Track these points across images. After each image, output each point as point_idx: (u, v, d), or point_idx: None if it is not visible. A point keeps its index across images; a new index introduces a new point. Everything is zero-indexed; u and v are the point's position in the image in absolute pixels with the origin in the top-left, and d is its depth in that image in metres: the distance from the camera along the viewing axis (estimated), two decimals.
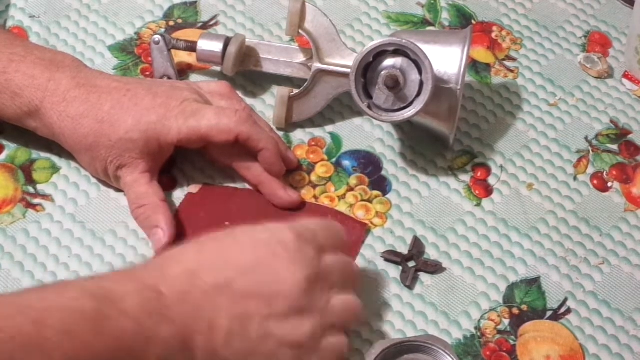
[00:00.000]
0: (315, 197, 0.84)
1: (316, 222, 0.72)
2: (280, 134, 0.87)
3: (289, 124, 0.88)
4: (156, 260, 0.68)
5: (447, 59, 0.81)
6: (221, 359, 0.65)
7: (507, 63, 0.95)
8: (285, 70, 0.89)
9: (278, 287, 0.66)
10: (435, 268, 0.80)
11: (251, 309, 0.65)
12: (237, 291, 0.65)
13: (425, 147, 0.88)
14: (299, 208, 0.82)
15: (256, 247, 0.67)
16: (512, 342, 0.77)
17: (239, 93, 0.87)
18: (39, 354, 0.55)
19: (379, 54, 0.80)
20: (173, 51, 0.88)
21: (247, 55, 0.89)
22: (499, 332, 0.77)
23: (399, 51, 0.80)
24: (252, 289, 0.65)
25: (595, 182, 0.87)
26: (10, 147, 0.84)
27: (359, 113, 0.89)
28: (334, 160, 0.87)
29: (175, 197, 0.82)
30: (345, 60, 0.85)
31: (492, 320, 0.78)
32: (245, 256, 0.67)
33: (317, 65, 0.86)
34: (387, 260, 0.80)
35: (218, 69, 0.89)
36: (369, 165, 0.86)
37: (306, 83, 0.86)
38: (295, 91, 0.87)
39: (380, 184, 0.85)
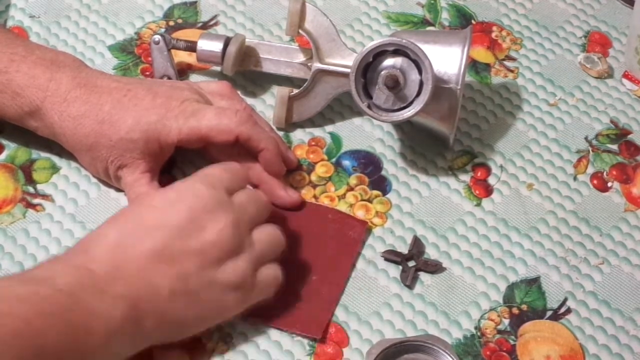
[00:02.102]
0: (315, 196, 0.84)
1: (218, 167, 0.75)
2: (280, 134, 0.87)
3: (289, 124, 0.88)
4: (77, 245, 0.70)
5: (447, 59, 0.81)
6: (169, 317, 0.67)
7: (507, 63, 0.95)
8: (285, 70, 0.89)
9: (205, 237, 0.69)
10: (435, 268, 0.80)
11: (187, 265, 0.68)
12: (167, 252, 0.67)
13: (425, 147, 0.88)
14: (299, 208, 0.82)
15: (173, 207, 0.70)
16: (512, 342, 0.77)
17: (239, 93, 0.87)
18: None
19: (379, 54, 0.80)
20: (173, 51, 0.88)
21: (247, 55, 0.89)
22: (499, 332, 0.77)
23: (399, 51, 0.80)
24: (183, 247, 0.68)
25: (595, 182, 0.87)
26: (10, 147, 0.84)
27: (359, 113, 0.89)
28: (334, 160, 0.87)
29: None
30: (345, 60, 0.85)
31: (492, 320, 0.78)
32: (168, 217, 0.69)
33: (317, 65, 0.86)
34: (387, 259, 0.80)
35: (218, 69, 0.89)
36: (369, 165, 0.86)
37: (306, 83, 0.86)
38: (295, 91, 0.87)
39: (380, 184, 0.85)
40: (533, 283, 0.80)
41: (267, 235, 0.74)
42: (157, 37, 0.87)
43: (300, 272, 0.78)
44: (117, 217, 0.71)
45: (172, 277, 0.67)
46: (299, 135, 0.88)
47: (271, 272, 0.73)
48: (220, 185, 0.72)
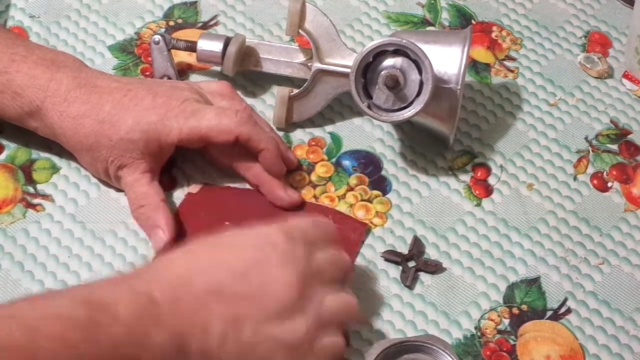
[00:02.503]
0: (315, 197, 0.84)
1: (305, 220, 0.72)
2: (280, 134, 0.87)
3: (289, 124, 0.88)
4: (147, 266, 0.68)
5: (447, 59, 0.81)
6: None
7: (507, 63, 0.95)
8: (285, 70, 0.89)
9: (270, 288, 0.65)
10: (435, 268, 0.80)
11: (244, 312, 0.64)
12: (229, 295, 0.64)
13: (425, 147, 0.88)
14: (299, 208, 0.82)
15: (247, 250, 0.67)
16: (512, 342, 0.77)
17: (239, 93, 0.87)
18: None
19: (379, 54, 0.80)
20: (173, 51, 0.88)
21: (247, 55, 0.89)
22: (499, 332, 0.77)
23: (399, 51, 0.80)
24: (244, 292, 0.65)
25: (595, 182, 0.87)
26: (10, 147, 0.84)
27: (359, 113, 0.89)
28: (334, 160, 0.87)
29: (175, 197, 0.82)
30: (345, 60, 0.85)
31: (492, 320, 0.78)
32: (237, 260, 0.66)
33: (317, 65, 0.86)
34: (387, 260, 0.80)
35: (218, 69, 0.89)
36: (369, 165, 0.86)
37: (306, 83, 0.86)
38: (295, 91, 0.87)
39: (380, 184, 0.85)
40: (533, 283, 0.80)
41: (340, 302, 0.69)
42: (157, 37, 0.87)
43: None
44: (190, 247, 0.68)
45: (227, 319, 0.64)
46: (299, 135, 0.88)
47: (331, 343, 0.68)
48: (302, 238, 0.68)
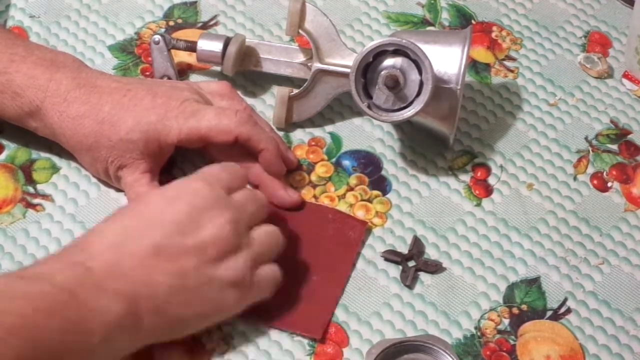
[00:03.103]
0: (315, 196, 0.84)
1: (215, 166, 0.75)
2: (280, 134, 0.87)
3: (289, 124, 0.88)
4: (76, 242, 0.70)
5: (447, 59, 0.81)
6: (168, 314, 0.68)
7: (507, 63, 0.95)
8: (285, 70, 0.89)
9: (204, 233, 0.69)
10: (435, 268, 0.80)
11: (185, 261, 0.68)
12: (166, 249, 0.68)
13: (425, 147, 0.88)
14: (299, 208, 0.82)
15: (171, 204, 0.70)
16: (512, 342, 0.77)
17: (239, 93, 0.87)
18: None
19: (379, 54, 0.80)
20: (173, 51, 0.88)
21: (247, 55, 0.89)
22: (499, 331, 0.77)
23: (399, 51, 0.80)
24: (181, 243, 0.68)
25: (595, 182, 0.87)
26: (10, 147, 0.84)
27: (359, 113, 0.89)
28: (334, 160, 0.87)
29: None
30: (345, 60, 0.85)
31: (492, 320, 0.78)
32: (164, 214, 0.70)
33: (317, 65, 0.86)
34: (387, 260, 0.80)
35: (218, 69, 0.89)
36: (369, 165, 0.86)
37: (306, 83, 0.86)
38: (295, 91, 0.87)
39: (380, 184, 0.85)
40: (533, 283, 0.80)
41: (265, 234, 0.74)
42: (157, 37, 0.87)
43: (300, 272, 0.78)
44: (115, 215, 0.71)
45: (171, 273, 0.68)
46: (299, 135, 0.88)
47: (270, 272, 0.73)
48: (219, 184, 0.72)
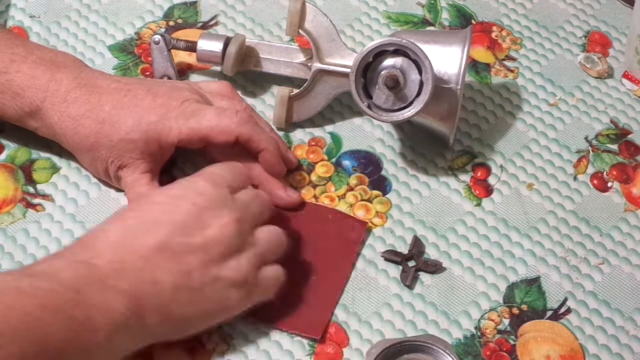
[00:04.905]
0: (315, 197, 0.84)
1: (219, 166, 0.76)
2: (280, 134, 0.87)
3: (289, 124, 0.88)
4: (80, 240, 0.70)
5: (447, 59, 0.81)
6: (172, 313, 0.68)
7: (507, 63, 0.95)
8: (285, 70, 0.89)
9: (209, 233, 0.69)
10: (435, 268, 0.80)
11: (189, 261, 0.68)
12: (170, 248, 0.68)
13: (425, 147, 0.88)
14: (299, 208, 0.82)
15: (176, 203, 0.70)
16: (512, 342, 0.77)
17: (239, 93, 0.87)
18: None
19: (379, 53, 0.80)
20: (173, 51, 0.88)
21: (247, 55, 0.89)
22: (499, 331, 0.77)
23: (399, 51, 0.80)
24: (186, 242, 0.68)
25: (595, 182, 0.88)
26: (10, 147, 0.84)
27: (359, 113, 0.89)
28: (334, 160, 0.87)
29: None
30: (345, 60, 0.85)
31: (492, 320, 0.78)
32: (168, 213, 0.70)
33: (317, 65, 0.86)
34: (387, 259, 0.80)
35: (218, 69, 0.89)
36: (369, 165, 0.87)
37: (306, 83, 0.86)
38: (295, 91, 0.87)
39: (380, 184, 0.85)
40: (533, 283, 0.80)
41: (269, 234, 0.74)
42: (157, 37, 0.87)
43: (300, 272, 0.78)
44: (120, 213, 0.71)
45: (175, 272, 0.68)
46: (299, 135, 0.88)
47: (273, 272, 0.73)
48: (223, 183, 0.72)
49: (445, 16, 0.98)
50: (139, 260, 0.67)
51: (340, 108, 0.90)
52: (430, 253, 0.81)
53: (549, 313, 0.79)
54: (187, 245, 0.68)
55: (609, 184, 0.87)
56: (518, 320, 0.78)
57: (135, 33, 0.93)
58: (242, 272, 0.70)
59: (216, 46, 0.87)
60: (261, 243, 0.72)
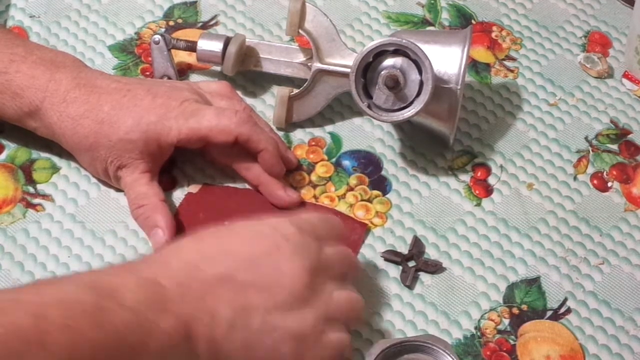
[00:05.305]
0: (315, 197, 0.84)
1: (315, 215, 0.73)
2: (280, 134, 0.87)
3: (289, 124, 0.88)
4: (155, 254, 0.68)
5: (447, 59, 0.81)
6: (223, 350, 0.64)
7: (507, 63, 0.95)
8: (285, 70, 0.89)
9: (280, 278, 0.66)
10: (435, 268, 0.80)
11: (253, 300, 0.64)
12: (238, 282, 0.64)
13: (425, 147, 0.88)
14: (298, 208, 0.82)
15: (257, 239, 0.67)
16: (512, 342, 0.77)
17: (239, 93, 0.87)
18: (38, 348, 0.54)
19: (379, 53, 0.80)
20: (173, 51, 0.88)
21: (247, 55, 0.89)
22: (499, 332, 0.77)
23: (399, 51, 0.80)
24: (254, 280, 0.65)
25: (595, 182, 0.87)
26: (10, 147, 0.84)
27: (359, 113, 0.89)
28: (334, 160, 0.87)
29: (175, 197, 0.82)
30: (345, 60, 0.85)
31: (492, 320, 0.78)
32: (246, 248, 0.67)
33: (317, 65, 0.86)
34: (387, 260, 0.80)
35: (218, 69, 0.89)
36: (369, 165, 0.86)
37: (306, 83, 0.86)
38: (295, 91, 0.87)
39: (380, 184, 0.85)
40: (533, 283, 0.80)
41: (347, 299, 0.69)
42: (157, 37, 0.87)
43: None
44: (200, 235, 0.68)
45: (236, 307, 0.64)
46: (299, 135, 0.88)
47: (338, 338, 0.68)
48: (312, 232, 0.69)
49: (445, 16, 0.98)
50: (203, 287, 0.63)
51: (340, 108, 0.90)
52: (430, 253, 0.81)
53: (549, 313, 0.79)
54: (253, 282, 0.65)
55: (609, 184, 0.87)
56: (518, 320, 0.78)
57: (135, 33, 0.93)
58: (304, 328, 0.65)
59: (216, 46, 0.87)
60: (335, 305, 0.68)
